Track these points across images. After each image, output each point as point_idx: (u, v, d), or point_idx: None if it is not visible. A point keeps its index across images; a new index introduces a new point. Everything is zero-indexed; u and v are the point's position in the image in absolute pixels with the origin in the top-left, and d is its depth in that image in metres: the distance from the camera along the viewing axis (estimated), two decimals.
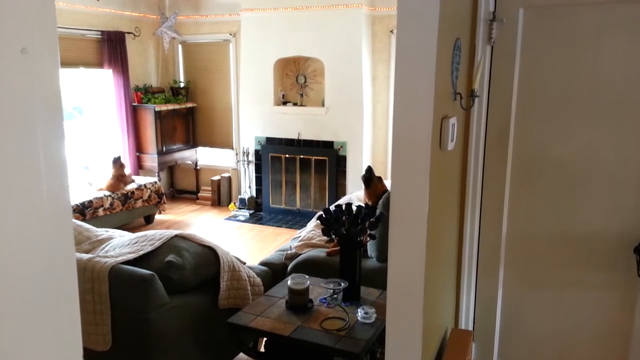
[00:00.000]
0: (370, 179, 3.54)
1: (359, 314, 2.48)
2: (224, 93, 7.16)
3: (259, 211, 6.75)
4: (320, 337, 2.34)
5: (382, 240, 3.05)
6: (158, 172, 6.83)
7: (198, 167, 7.47)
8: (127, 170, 6.04)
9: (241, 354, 3.14)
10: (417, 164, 1.66)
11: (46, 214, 0.55)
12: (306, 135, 6.32)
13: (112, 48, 6.32)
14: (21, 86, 0.51)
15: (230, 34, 6.89)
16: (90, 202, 5.32)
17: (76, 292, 0.61)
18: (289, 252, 3.60)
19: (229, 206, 6.93)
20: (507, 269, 2.48)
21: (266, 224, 6.33)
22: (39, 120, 0.53)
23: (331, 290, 2.65)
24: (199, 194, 7.37)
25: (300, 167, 6.46)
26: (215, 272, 2.86)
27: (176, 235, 2.89)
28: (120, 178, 5.74)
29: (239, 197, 6.84)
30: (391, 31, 5.99)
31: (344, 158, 6.20)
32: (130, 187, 5.86)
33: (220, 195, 7.14)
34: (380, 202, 3.24)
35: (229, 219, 6.55)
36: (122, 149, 6.59)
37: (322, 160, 6.31)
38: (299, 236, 3.98)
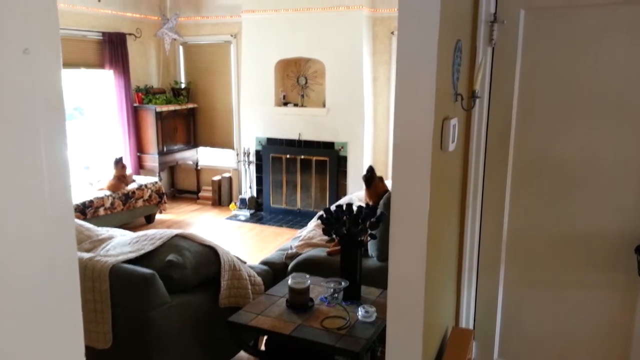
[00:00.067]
0: (372, 178, 3.55)
1: (360, 312, 2.49)
2: (225, 94, 7.17)
3: (259, 211, 6.76)
4: (320, 336, 2.35)
5: (382, 239, 3.06)
6: (159, 172, 6.84)
7: (199, 167, 7.48)
8: (129, 171, 6.05)
9: (242, 353, 3.15)
10: (418, 164, 1.67)
11: (48, 214, 0.55)
12: (307, 136, 6.33)
13: (113, 49, 6.33)
14: (23, 86, 0.52)
15: (231, 35, 6.90)
16: (91, 201, 5.33)
17: (78, 292, 0.61)
18: (289, 251, 3.61)
19: (230, 206, 6.93)
20: (507, 269, 2.49)
21: (267, 223, 6.33)
22: (41, 121, 0.53)
23: (332, 290, 2.66)
24: (200, 194, 7.38)
25: (301, 167, 6.47)
26: (216, 271, 2.87)
27: (177, 235, 2.90)
28: (121, 179, 5.75)
29: (240, 197, 6.84)
30: (392, 33, 5.99)
31: (344, 159, 6.20)
32: (131, 186, 5.87)
33: (221, 195, 7.15)
34: (381, 202, 3.25)
35: (229, 218, 6.56)
36: (123, 149, 6.60)
37: (323, 160, 6.32)
38: (300, 236, 3.99)
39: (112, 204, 5.56)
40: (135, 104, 6.72)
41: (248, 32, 6.41)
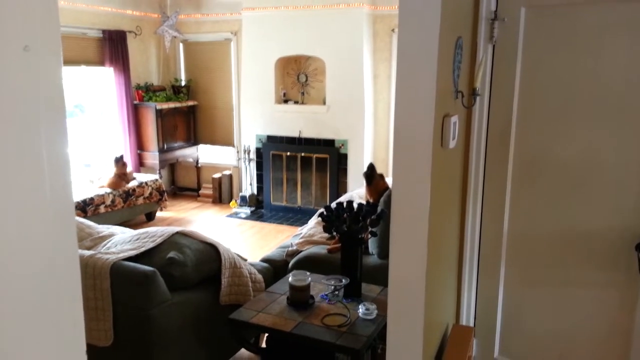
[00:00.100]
0: (372, 176, 3.55)
1: (360, 310, 2.49)
2: (225, 91, 7.16)
3: (260, 208, 6.76)
4: (321, 333, 2.35)
5: (383, 237, 3.06)
6: (159, 170, 6.85)
7: (199, 165, 7.48)
8: (129, 169, 6.05)
9: (242, 350, 3.15)
10: (419, 162, 1.67)
11: (49, 212, 0.55)
12: (307, 134, 6.33)
13: (113, 47, 6.33)
14: (24, 84, 0.51)
15: (232, 33, 6.89)
16: (92, 199, 5.33)
17: (79, 290, 0.61)
18: (290, 249, 3.61)
19: (230, 203, 6.94)
20: (508, 267, 2.49)
21: (267, 221, 6.34)
22: (42, 118, 0.53)
23: (332, 287, 2.66)
24: (200, 192, 7.38)
25: (302, 165, 6.47)
26: (217, 268, 2.87)
27: (177, 232, 2.90)
28: (122, 176, 5.75)
29: (240, 194, 6.85)
30: (392, 30, 5.98)
31: (345, 156, 6.20)
32: (132, 184, 5.87)
33: (222, 193, 7.15)
34: (382, 199, 3.25)
35: (230, 216, 6.56)
36: (124, 146, 6.60)
37: (324, 158, 6.32)
38: (300, 233, 3.99)
39: (113, 201, 5.57)
40: (135, 102, 6.72)
41: (248, 29, 6.40)
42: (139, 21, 6.82)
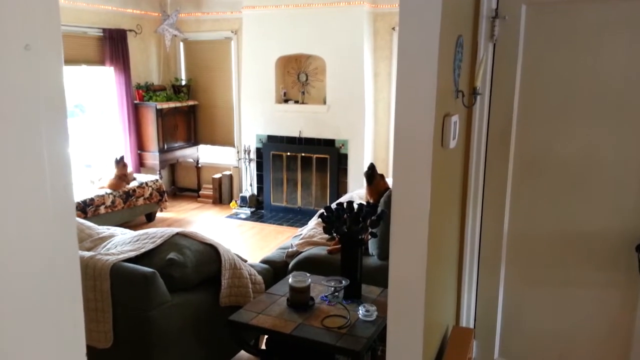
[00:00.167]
0: (373, 175, 3.54)
1: (360, 311, 2.48)
2: (226, 91, 7.15)
3: (260, 209, 6.76)
4: (321, 335, 2.34)
5: (383, 238, 3.05)
6: (159, 170, 6.84)
7: (199, 165, 7.48)
8: (129, 169, 6.05)
9: (242, 352, 3.14)
10: (419, 161, 1.66)
11: (50, 213, 0.55)
12: (307, 133, 6.32)
13: (113, 46, 6.32)
14: (24, 83, 0.51)
15: (232, 32, 6.89)
16: (92, 199, 5.33)
17: (79, 291, 0.61)
18: (290, 250, 3.60)
19: (230, 204, 6.93)
20: (508, 267, 2.48)
21: (267, 222, 6.33)
22: (43, 118, 0.53)
23: (332, 288, 2.65)
24: (200, 192, 7.37)
25: (302, 165, 6.46)
26: (217, 270, 2.86)
27: (177, 233, 2.89)
28: (122, 177, 5.75)
29: (240, 195, 6.84)
30: (393, 28, 5.98)
31: (345, 156, 6.19)
32: (132, 185, 5.87)
33: (222, 193, 7.14)
34: (382, 200, 3.24)
35: (230, 216, 6.55)
36: (124, 146, 6.60)
37: (324, 158, 6.31)
38: (300, 234, 3.98)
39: (113, 202, 5.56)
40: (135, 101, 6.71)
41: (248, 28, 6.40)
42: (139, 20, 6.81)
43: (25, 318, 0.54)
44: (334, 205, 2.79)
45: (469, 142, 2.38)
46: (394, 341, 1.83)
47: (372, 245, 3.32)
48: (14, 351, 0.53)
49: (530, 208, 2.38)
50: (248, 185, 6.88)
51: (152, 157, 6.79)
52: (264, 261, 3.54)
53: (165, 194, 6.30)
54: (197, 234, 2.97)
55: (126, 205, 5.73)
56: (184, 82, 7.23)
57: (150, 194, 6.05)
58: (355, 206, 2.73)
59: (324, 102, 6.23)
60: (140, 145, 6.80)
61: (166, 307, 2.55)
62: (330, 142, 6.24)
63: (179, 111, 7.00)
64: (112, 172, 5.77)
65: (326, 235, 3.61)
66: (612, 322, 2.33)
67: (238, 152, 7.07)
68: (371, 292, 2.78)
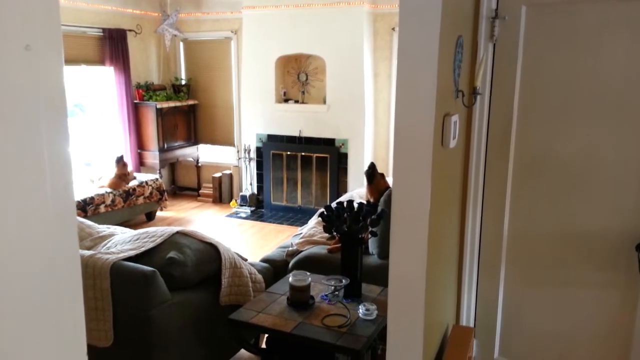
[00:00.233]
0: (373, 175, 3.54)
1: (360, 310, 2.48)
2: (226, 90, 7.15)
3: (260, 208, 6.76)
4: (321, 334, 2.34)
5: (383, 237, 3.05)
6: (159, 169, 6.84)
7: (199, 164, 7.48)
8: (129, 168, 6.05)
9: (242, 351, 3.15)
10: (419, 161, 1.66)
11: (50, 212, 0.55)
12: (307, 133, 6.32)
13: (113, 45, 6.32)
14: (25, 83, 0.51)
15: (232, 32, 6.88)
16: (92, 198, 5.33)
17: (80, 290, 0.61)
18: (290, 249, 3.60)
19: (230, 203, 6.93)
20: (508, 267, 2.49)
21: (267, 221, 6.33)
22: (43, 118, 0.53)
23: (332, 287, 2.65)
24: (200, 191, 7.38)
25: (302, 164, 6.46)
26: (217, 268, 2.86)
27: (177, 232, 2.89)
28: (122, 177, 5.75)
29: (240, 194, 6.84)
30: (393, 29, 5.97)
31: (345, 155, 6.19)
32: (132, 184, 5.87)
33: (222, 192, 7.14)
34: (382, 199, 3.24)
35: (230, 216, 6.55)
36: (124, 146, 6.60)
37: (324, 157, 6.31)
38: (300, 233, 3.98)
39: (113, 201, 5.56)
40: (135, 101, 6.71)
41: (248, 28, 6.39)
42: (139, 20, 6.81)
43: (25, 318, 0.54)
44: (334, 205, 2.79)
45: (469, 141, 2.38)
46: (394, 340, 1.84)
47: (372, 244, 3.32)
48: (15, 351, 0.53)
49: (531, 208, 2.39)
50: (248, 184, 6.88)
51: (152, 157, 6.79)
52: (264, 260, 3.54)
53: (165, 193, 6.30)
54: (197, 232, 2.98)
55: (126, 204, 5.73)
56: (184, 82, 7.23)
57: (150, 193, 6.05)
58: (356, 205, 2.73)
59: (324, 102, 6.23)
60: (140, 145, 6.81)
61: (166, 306, 2.55)
62: (330, 142, 6.24)
63: (179, 110, 7.00)
64: (112, 171, 5.77)
65: (326, 234, 3.61)
66: (612, 322, 2.33)
67: (238, 151, 7.07)
68: (371, 291, 2.78)
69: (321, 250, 3.45)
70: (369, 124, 6.18)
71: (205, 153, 7.46)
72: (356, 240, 2.69)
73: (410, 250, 1.73)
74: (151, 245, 2.76)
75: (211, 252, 2.88)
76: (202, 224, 6.21)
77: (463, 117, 2.19)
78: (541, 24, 2.21)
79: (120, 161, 5.77)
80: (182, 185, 7.67)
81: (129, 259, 2.65)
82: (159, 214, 6.44)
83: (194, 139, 7.34)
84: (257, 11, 6.27)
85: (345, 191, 6.05)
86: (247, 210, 6.67)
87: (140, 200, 5.92)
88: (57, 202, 0.55)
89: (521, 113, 2.32)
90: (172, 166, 7.59)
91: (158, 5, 7.01)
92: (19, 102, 0.51)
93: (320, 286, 2.76)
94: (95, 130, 6.61)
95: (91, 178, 5.83)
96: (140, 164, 6.83)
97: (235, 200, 6.88)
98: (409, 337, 1.80)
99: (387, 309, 1.84)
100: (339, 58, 5.99)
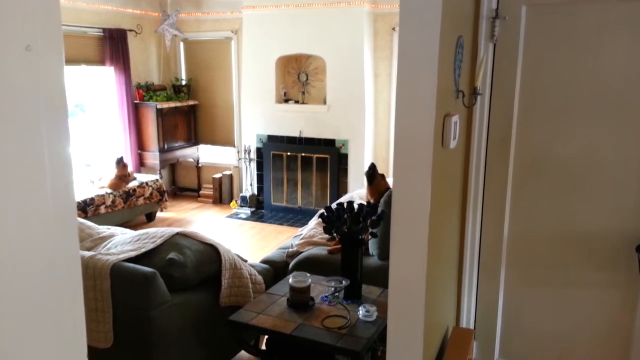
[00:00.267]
0: (374, 175, 3.54)
1: (361, 312, 2.48)
2: (226, 91, 7.15)
3: (260, 209, 6.76)
4: (321, 335, 2.34)
5: (383, 238, 3.05)
6: (160, 170, 6.84)
7: (199, 165, 7.48)
8: (130, 169, 6.04)
9: (242, 352, 3.14)
10: (419, 162, 1.66)
11: (51, 213, 0.55)
12: (308, 133, 6.32)
13: (113, 45, 6.32)
14: (25, 84, 0.51)
15: (232, 32, 6.88)
16: (92, 199, 5.33)
17: (80, 291, 0.61)
18: (290, 250, 3.60)
19: (231, 204, 6.93)
20: (508, 268, 2.48)
21: (267, 221, 6.33)
22: (44, 118, 0.53)
23: (332, 289, 2.65)
24: (201, 192, 7.37)
25: (302, 165, 6.46)
26: (217, 269, 2.86)
27: (178, 233, 2.89)
28: (123, 178, 5.74)
29: (241, 194, 6.84)
30: (393, 29, 5.97)
31: (345, 156, 6.19)
32: (132, 184, 5.86)
33: (222, 193, 7.14)
34: (382, 200, 3.24)
35: (230, 216, 6.55)
36: (124, 146, 6.60)
37: (324, 158, 6.30)
38: (301, 234, 3.98)
39: (113, 202, 5.56)
40: (135, 101, 6.71)
41: (249, 28, 6.40)
42: (139, 20, 6.81)
43: (26, 318, 0.54)
44: (334, 205, 2.78)
45: (469, 142, 2.38)
46: (394, 341, 1.83)
47: (372, 246, 3.32)
48: (16, 352, 0.53)
49: (531, 208, 2.38)
50: (248, 185, 6.88)
51: (153, 157, 6.79)
52: (264, 261, 3.54)
53: (166, 194, 6.30)
54: (197, 233, 2.97)
55: (126, 205, 5.73)
56: (184, 82, 7.23)
57: (151, 194, 6.04)
58: (356, 206, 2.73)
59: (324, 102, 6.23)
60: (140, 145, 6.80)
61: (166, 307, 2.55)
62: (330, 142, 6.24)
63: (179, 111, 7.00)
64: (112, 172, 5.77)
65: (326, 235, 3.61)
66: (612, 322, 2.33)
67: (238, 151, 7.07)
68: (371, 292, 2.78)
69: (321, 251, 3.44)
70: (369, 125, 6.18)
71: (206, 154, 7.46)
72: (356, 241, 2.68)
73: (411, 251, 1.73)
74: (151, 246, 2.76)
75: (211, 253, 2.87)
76: (202, 225, 6.21)
77: (463, 118, 2.19)
78: (541, 24, 2.21)
79: (120, 162, 5.77)
80: (182, 186, 7.67)
81: (129, 260, 2.65)
82: (159, 214, 6.44)
83: (194, 140, 7.34)
84: (257, 11, 6.27)
85: (345, 192, 6.05)
86: (247, 211, 6.66)
87: (141, 201, 5.92)
88: (58, 202, 0.55)
89: (521, 113, 2.32)
90: (172, 167, 7.59)
91: (158, 5, 7.01)
92: (20, 102, 0.50)
93: (321, 287, 2.75)
94: (96, 130, 6.61)
95: (91, 179, 5.82)
96: (141, 164, 6.83)
97: (236, 201, 6.88)
98: (409, 339, 1.80)
99: (387, 310, 1.84)
100: (339, 58, 5.99)
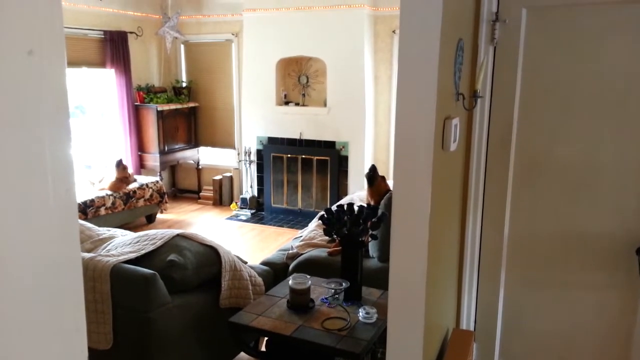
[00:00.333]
0: (374, 177, 3.54)
1: (360, 313, 2.48)
2: (226, 93, 7.16)
3: (260, 211, 6.76)
4: (321, 337, 2.34)
5: (383, 240, 3.05)
6: (160, 172, 6.84)
7: (200, 167, 7.48)
8: (130, 171, 6.05)
9: (242, 354, 3.14)
10: (420, 164, 1.66)
11: (52, 218, 0.55)
12: (308, 135, 6.32)
13: (114, 48, 6.33)
14: (27, 89, 0.51)
15: (233, 34, 6.89)
16: (92, 201, 5.33)
17: (82, 295, 0.61)
18: (290, 251, 3.60)
19: (231, 206, 6.93)
20: (508, 270, 2.48)
21: (267, 223, 6.33)
22: (46, 123, 0.53)
23: (332, 290, 2.65)
24: (201, 194, 7.37)
25: (302, 167, 6.46)
26: (217, 271, 2.86)
27: (178, 235, 2.89)
28: (123, 180, 5.75)
29: (241, 196, 6.84)
30: (393, 31, 5.98)
31: (345, 158, 6.20)
32: (132, 186, 5.87)
33: (222, 195, 7.14)
34: (382, 202, 3.24)
35: (230, 218, 6.55)
36: (124, 148, 6.60)
37: (324, 160, 6.31)
38: (301, 236, 3.98)
39: (113, 203, 5.56)
40: (136, 103, 6.72)
41: (249, 30, 6.40)
42: (140, 22, 6.82)
43: (25, 322, 0.54)
44: (334, 207, 2.79)
45: (469, 144, 2.38)
46: (394, 343, 1.83)
47: (372, 248, 3.32)
48: (17, 355, 0.53)
49: (531, 210, 2.38)
50: (248, 187, 6.88)
51: (153, 159, 6.80)
52: (264, 263, 3.54)
53: (166, 196, 6.30)
54: (197, 235, 2.98)
55: (126, 206, 5.73)
56: (184, 84, 7.24)
57: (151, 196, 6.05)
58: (356, 208, 2.73)
59: (325, 105, 6.24)
60: (140, 147, 6.81)
61: (166, 309, 2.55)
62: (330, 144, 6.24)
63: (180, 113, 7.01)
64: (112, 174, 5.77)
65: (326, 237, 3.61)
66: (612, 324, 2.33)
67: (238, 153, 7.07)
68: (371, 294, 2.78)
69: (321, 253, 3.44)
70: (369, 127, 6.18)
71: (206, 155, 7.47)
72: (356, 243, 2.69)
73: (411, 253, 1.73)
74: (151, 247, 2.76)
75: (211, 254, 2.87)
76: (202, 227, 6.21)
77: (463, 120, 2.19)
78: (542, 27, 2.22)
79: (119, 165, 5.77)
80: (183, 187, 7.67)
81: (129, 261, 2.65)
82: (159, 216, 6.44)
83: (194, 142, 7.35)
84: (258, 14, 6.28)
85: (345, 194, 6.05)
86: (247, 212, 6.67)
87: (141, 202, 5.92)
88: (59, 207, 0.55)
89: (522, 116, 2.32)
90: (172, 169, 7.59)
91: (159, 7, 7.02)
92: (22, 107, 0.50)
93: (320, 289, 2.76)
94: (96, 132, 6.62)
95: (91, 180, 5.83)
96: (141, 166, 6.84)
97: (236, 203, 6.88)
98: (409, 341, 1.80)
99: (387, 312, 1.84)
100: (339, 60, 6.00)
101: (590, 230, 2.28)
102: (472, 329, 2.59)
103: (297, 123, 6.35)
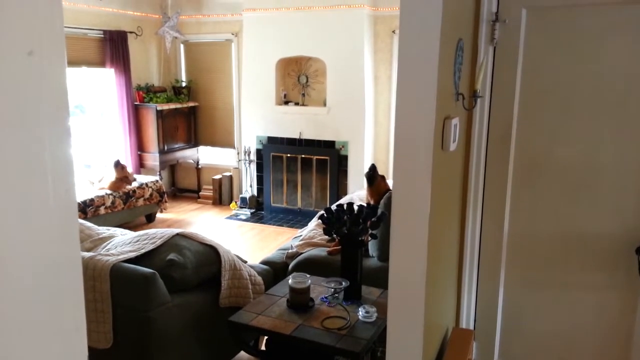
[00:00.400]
0: (374, 176, 3.54)
1: (360, 313, 2.48)
2: (226, 92, 7.16)
3: (260, 210, 6.76)
4: (321, 336, 2.34)
5: (383, 239, 3.05)
6: (159, 171, 6.84)
7: (199, 166, 7.48)
8: (129, 170, 6.04)
9: (242, 353, 3.15)
10: (419, 164, 1.67)
11: (52, 219, 0.55)
12: (308, 135, 6.32)
13: (114, 47, 6.33)
14: (27, 89, 0.51)
15: (232, 34, 6.89)
16: (92, 200, 5.33)
17: (82, 295, 0.61)
18: (290, 251, 3.60)
19: (230, 205, 6.93)
20: (508, 269, 2.48)
21: (267, 223, 6.33)
22: (46, 124, 0.53)
23: (332, 290, 2.65)
24: (201, 193, 7.38)
25: (302, 166, 6.46)
26: (217, 270, 2.86)
27: (177, 234, 2.89)
28: (123, 179, 5.75)
29: (240, 196, 6.84)
30: (393, 31, 5.98)
31: (345, 158, 6.20)
32: (132, 185, 5.87)
33: (222, 194, 7.14)
34: (382, 201, 3.24)
35: (230, 217, 6.55)
36: (124, 147, 6.60)
37: (324, 159, 6.31)
38: (300, 235, 3.98)
39: (113, 202, 5.56)
40: (136, 103, 6.72)
41: (249, 30, 6.40)
42: (140, 22, 6.82)
43: (27, 320, 0.54)
44: (334, 207, 2.79)
45: (469, 144, 2.38)
46: (394, 342, 1.83)
47: (372, 247, 3.32)
48: (17, 354, 0.53)
49: (531, 210, 2.39)
50: (248, 187, 6.88)
51: (152, 158, 6.80)
52: (264, 262, 3.54)
53: (165, 195, 6.30)
54: (197, 234, 2.98)
55: (126, 206, 5.73)
56: (184, 84, 7.24)
57: (150, 195, 6.05)
58: (356, 207, 2.73)
59: (324, 104, 6.24)
60: (140, 146, 6.81)
61: (166, 308, 2.55)
62: (330, 144, 6.24)
63: (179, 112, 7.01)
64: (112, 174, 5.77)
65: (326, 237, 3.61)
66: (612, 324, 2.33)
67: (238, 153, 7.07)
68: (371, 293, 2.78)
69: (321, 252, 3.44)
70: (369, 127, 6.18)
71: (206, 155, 7.47)
72: (356, 242, 2.69)
73: (411, 252, 1.73)
74: (151, 247, 2.76)
75: (211, 254, 2.88)
76: (202, 226, 6.21)
77: (463, 120, 2.19)
78: (541, 27, 2.22)
79: (117, 165, 5.77)
80: (182, 187, 7.68)
81: (129, 260, 2.65)
82: (158, 215, 6.44)
83: (194, 141, 7.35)
84: (258, 13, 6.27)
85: (345, 193, 6.06)
86: (247, 212, 6.67)
87: (140, 202, 5.92)
88: (59, 207, 0.55)
89: (521, 116, 2.32)
90: (172, 168, 7.59)
91: (159, 7, 7.02)
92: (22, 107, 0.50)
93: (320, 288, 2.76)
94: (96, 131, 6.62)
95: (91, 180, 5.83)
96: (141, 165, 6.84)
97: (235, 202, 6.88)
98: (408, 340, 1.80)
99: (387, 311, 1.84)
100: (339, 60, 6.00)
101: (590, 231, 2.28)
102: (471, 327, 2.59)
103: (296, 123, 6.35)
